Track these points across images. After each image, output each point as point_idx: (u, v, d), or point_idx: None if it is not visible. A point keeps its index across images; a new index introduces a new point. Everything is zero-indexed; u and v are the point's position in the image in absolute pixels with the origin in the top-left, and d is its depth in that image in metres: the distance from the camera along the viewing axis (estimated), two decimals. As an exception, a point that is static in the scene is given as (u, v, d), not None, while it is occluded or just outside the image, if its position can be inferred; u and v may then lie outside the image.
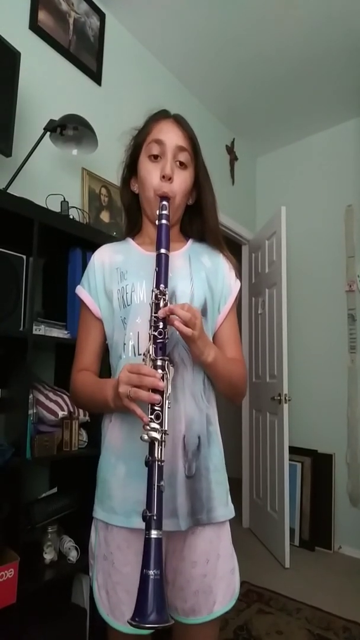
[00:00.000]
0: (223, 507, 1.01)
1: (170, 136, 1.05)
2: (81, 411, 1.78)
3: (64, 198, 1.99)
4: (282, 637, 2.07)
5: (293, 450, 3.32)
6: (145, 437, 0.81)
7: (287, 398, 3.01)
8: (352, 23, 2.60)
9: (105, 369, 1.13)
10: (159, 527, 0.78)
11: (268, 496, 3.23)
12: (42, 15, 2.15)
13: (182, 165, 1.06)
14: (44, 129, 1.85)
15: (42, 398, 1.68)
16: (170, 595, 0.99)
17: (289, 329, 3.16)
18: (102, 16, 2.50)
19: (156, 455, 0.81)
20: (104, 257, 1.12)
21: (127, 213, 1.21)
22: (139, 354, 0.97)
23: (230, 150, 3.73)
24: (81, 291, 1.12)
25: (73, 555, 1.65)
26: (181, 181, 1.06)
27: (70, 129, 1.95)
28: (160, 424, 0.82)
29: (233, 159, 3.76)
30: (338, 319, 3.42)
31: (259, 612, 2.28)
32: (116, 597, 0.95)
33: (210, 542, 0.99)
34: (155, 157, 1.05)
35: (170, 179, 1.03)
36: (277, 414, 3.10)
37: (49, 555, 1.62)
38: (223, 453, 1.07)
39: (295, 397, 3.30)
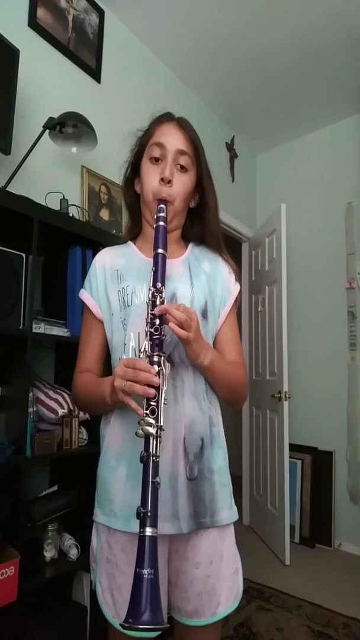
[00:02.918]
0: (227, 510, 1.01)
1: (171, 139, 1.06)
2: (81, 409, 1.78)
3: (64, 196, 1.98)
4: (282, 634, 2.07)
5: (293, 447, 3.32)
6: (140, 431, 0.80)
7: (287, 395, 3.01)
8: (352, 20, 2.58)
9: (107, 371, 1.13)
10: (153, 525, 0.76)
11: (268, 493, 3.24)
12: (41, 13, 2.14)
13: (183, 168, 1.07)
14: (43, 126, 1.84)
15: (42, 396, 1.68)
16: (172, 596, 0.99)
17: (289, 327, 3.16)
18: (101, 13, 2.49)
19: (151, 450, 0.80)
20: (105, 260, 1.12)
21: (130, 213, 1.22)
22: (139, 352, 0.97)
23: (230, 147, 3.72)
24: (83, 294, 1.13)
25: (73, 553, 1.65)
26: (181, 184, 1.06)
27: (70, 127, 1.95)
28: (156, 419, 0.82)
29: (233, 156, 3.75)
30: (338, 317, 3.42)
31: (259, 609, 2.29)
32: (122, 599, 0.94)
33: (214, 542, 0.98)
34: (157, 159, 1.06)
35: (169, 182, 1.03)
36: (277, 412, 3.10)
37: (49, 553, 1.62)
38: (227, 455, 1.06)
39: (295, 394, 3.30)
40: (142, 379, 0.82)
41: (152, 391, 0.82)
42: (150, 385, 0.82)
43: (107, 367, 1.13)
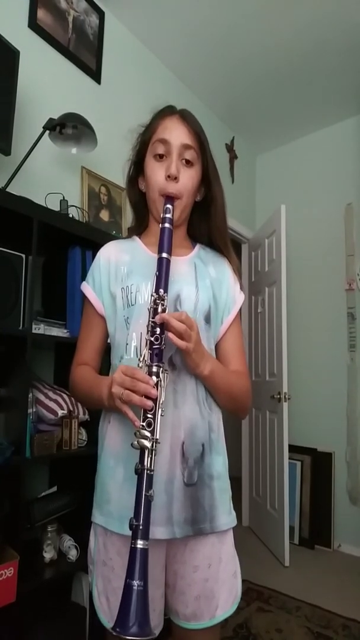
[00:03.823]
0: (226, 516, 1.00)
1: (175, 134, 1.03)
2: (81, 410, 1.78)
3: (64, 197, 1.99)
4: (281, 635, 2.07)
5: (293, 448, 3.32)
6: (136, 444, 0.80)
7: (286, 396, 3.01)
8: (352, 20, 2.59)
9: (105, 367, 1.12)
10: (145, 537, 0.76)
11: (268, 494, 3.24)
12: (42, 14, 2.14)
13: (188, 163, 1.04)
14: (43, 127, 1.84)
15: (41, 397, 1.68)
16: (170, 599, 0.98)
17: (288, 328, 3.16)
18: (101, 14, 2.49)
19: (146, 463, 0.80)
20: (110, 255, 1.10)
21: (135, 211, 1.20)
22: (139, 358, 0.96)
23: (230, 148, 3.73)
24: (85, 287, 1.11)
25: (73, 554, 1.65)
26: (187, 179, 1.04)
27: (70, 128, 1.95)
28: (152, 432, 0.81)
29: (233, 157, 3.76)
30: (338, 318, 3.42)
31: (259, 611, 2.28)
32: (117, 603, 0.92)
33: (213, 546, 0.97)
34: (161, 156, 1.04)
35: (175, 178, 1.01)
36: (277, 413, 3.10)
37: (48, 554, 1.62)
38: (227, 460, 1.05)
39: (294, 395, 3.30)
40: (139, 389, 0.82)
41: (149, 403, 0.81)
42: (147, 397, 0.82)
43: (105, 362, 1.12)
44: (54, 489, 1.85)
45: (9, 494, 1.49)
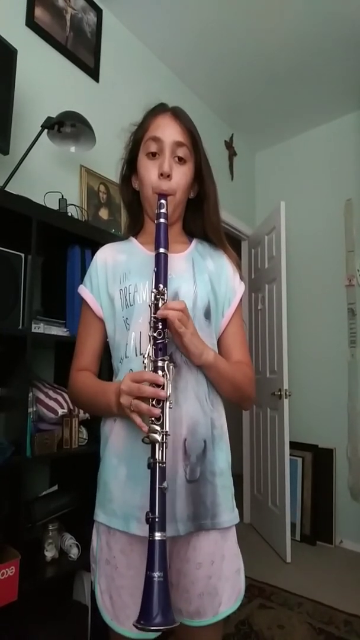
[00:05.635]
0: (229, 513, 1.00)
1: (167, 132, 1.03)
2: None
3: (62, 195, 1.98)
4: (283, 631, 2.08)
5: (294, 445, 3.32)
6: (146, 439, 0.82)
7: (287, 393, 3.01)
8: (352, 17, 2.58)
9: (105, 369, 1.12)
10: (162, 529, 0.78)
11: (269, 491, 3.24)
12: (39, 12, 2.14)
13: (181, 160, 1.04)
14: (42, 126, 1.83)
15: (41, 396, 1.68)
16: (174, 597, 0.97)
17: (288, 324, 3.16)
18: (99, 12, 2.48)
19: (157, 457, 0.81)
20: (107, 257, 1.11)
21: (129, 211, 1.19)
22: (142, 355, 0.96)
23: (229, 145, 3.72)
24: (83, 290, 1.11)
25: (74, 553, 1.65)
26: (180, 176, 1.04)
27: (68, 126, 1.94)
28: (161, 426, 0.82)
29: (232, 154, 3.75)
30: (338, 314, 3.42)
31: (261, 607, 2.29)
32: (120, 601, 0.94)
33: (216, 543, 0.97)
34: (154, 154, 1.04)
35: (168, 176, 1.01)
36: (278, 409, 3.10)
37: (50, 553, 1.62)
38: (230, 457, 1.05)
39: (295, 392, 3.30)
40: (147, 394, 0.83)
41: (157, 411, 0.83)
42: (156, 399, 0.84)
43: (104, 366, 1.12)
44: (55, 487, 1.85)
45: (10, 493, 1.49)
